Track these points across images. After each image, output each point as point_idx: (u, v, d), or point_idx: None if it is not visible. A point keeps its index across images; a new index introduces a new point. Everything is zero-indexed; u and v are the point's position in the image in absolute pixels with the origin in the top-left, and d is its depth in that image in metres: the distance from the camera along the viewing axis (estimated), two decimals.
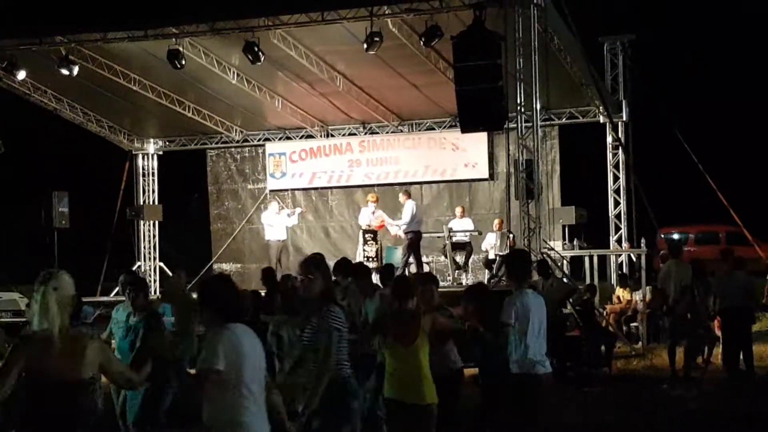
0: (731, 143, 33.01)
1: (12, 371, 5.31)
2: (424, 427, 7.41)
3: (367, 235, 20.60)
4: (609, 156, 22.35)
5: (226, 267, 24.30)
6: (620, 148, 21.96)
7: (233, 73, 20.50)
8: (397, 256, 20.77)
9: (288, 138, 24.57)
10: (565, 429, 10.68)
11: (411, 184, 23.30)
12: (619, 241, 22.04)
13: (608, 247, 21.89)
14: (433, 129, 23.37)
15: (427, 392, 7.43)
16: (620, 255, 21.61)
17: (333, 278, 8.39)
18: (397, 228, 20.41)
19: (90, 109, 23.33)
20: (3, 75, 19.87)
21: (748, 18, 34.03)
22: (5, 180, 26.78)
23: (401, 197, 21.07)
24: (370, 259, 20.13)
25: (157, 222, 25.47)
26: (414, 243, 20.27)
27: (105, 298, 20.46)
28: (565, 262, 19.83)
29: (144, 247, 25.35)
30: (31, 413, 5.38)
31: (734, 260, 14.84)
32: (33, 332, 5.45)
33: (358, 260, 20.08)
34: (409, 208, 20.60)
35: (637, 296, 18.97)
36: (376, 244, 20.46)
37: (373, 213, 20.75)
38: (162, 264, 25.16)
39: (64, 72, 18.82)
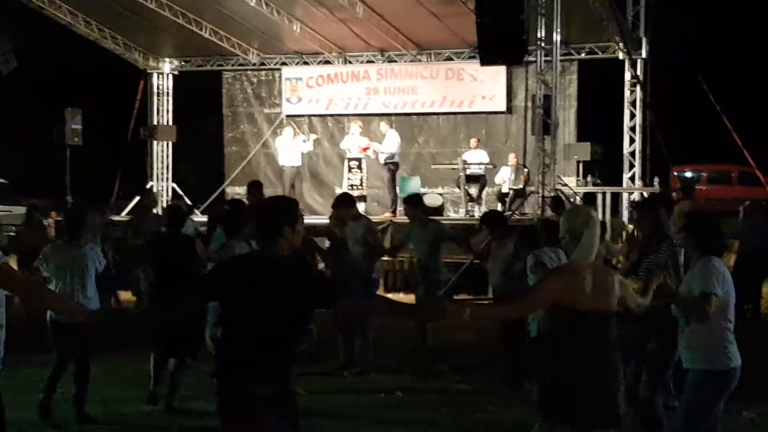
0: (748, 83, 32.77)
1: (548, 300, 5.43)
2: None
3: (351, 163, 20.72)
4: (626, 93, 22.20)
5: (240, 190, 24.30)
6: (638, 85, 21.82)
7: None
8: (412, 186, 20.84)
9: (305, 63, 24.43)
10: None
11: (428, 114, 23.36)
12: (632, 179, 22.01)
13: (621, 184, 21.87)
14: (452, 59, 23.18)
15: None
16: (633, 192, 21.57)
17: None
18: (379, 153, 20.54)
19: (105, 26, 23.16)
20: None
21: None
22: (19, 96, 26.72)
23: (383, 126, 21.16)
24: (354, 187, 20.22)
25: (170, 143, 25.46)
26: (395, 174, 20.54)
27: (116, 218, 20.52)
28: (578, 198, 19.88)
29: (157, 168, 25.36)
30: (574, 343, 5.41)
31: (753, 203, 14.97)
32: (568, 263, 5.56)
33: (343, 189, 20.35)
34: (394, 137, 20.70)
35: None
36: (361, 171, 20.55)
37: (355, 137, 20.99)
38: (175, 185, 25.22)
39: None
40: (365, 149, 20.76)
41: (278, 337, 4.96)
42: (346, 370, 10.82)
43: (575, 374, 5.34)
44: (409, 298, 14.12)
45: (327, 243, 11.81)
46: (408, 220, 11.82)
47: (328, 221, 12.17)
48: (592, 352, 5.34)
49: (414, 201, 11.65)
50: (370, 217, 13.34)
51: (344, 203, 11.30)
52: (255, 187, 13.25)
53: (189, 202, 22.63)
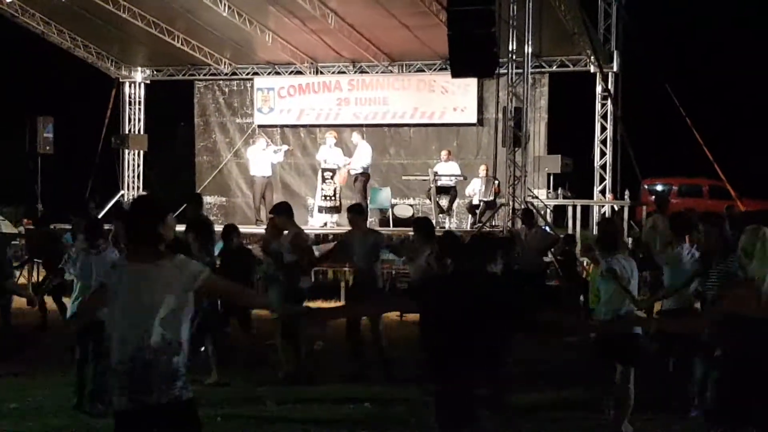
0: (718, 98, 33.05)
1: (729, 309, 5.79)
2: None
3: (325, 173, 20.69)
4: (597, 106, 22.29)
5: (211, 200, 24.25)
6: (609, 98, 21.91)
7: (224, 5, 20.34)
8: (382, 197, 20.86)
9: (277, 73, 24.42)
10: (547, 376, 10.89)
11: (399, 125, 23.37)
12: (603, 192, 22.08)
13: (592, 197, 21.94)
14: (423, 71, 23.24)
15: None
16: (603, 205, 21.65)
17: None
18: (349, 165, 20.63)
19: (78, 35, 23.11)
20: None
21: None
22: None
23: (355, 137, 21.28)
24: (328, 198, 20.25)
25: (142, 151, 25.38)
26: (366, 184, 20.57)
27: None
28: (548, 210, 19.96)
29: (128, 176, 25.29)
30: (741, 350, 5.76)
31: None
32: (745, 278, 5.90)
33: (316, 200, 20.42)
34: (366, 149, 20.78)
35: None
36: (334, 182, 20.56)
37: (330, 148, 20.93)
38: (146, 194, 25.11)
39: None
40: (344, 180, 20.70)
41: (486, 344, 5.52)
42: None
43: (753, 379, 5.66)
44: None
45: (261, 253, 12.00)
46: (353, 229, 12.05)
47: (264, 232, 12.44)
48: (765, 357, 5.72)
49: (356, 210, 12.04)
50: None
51: (286, 212, 11.55)
52: (196, 200, 13.27)
53: None
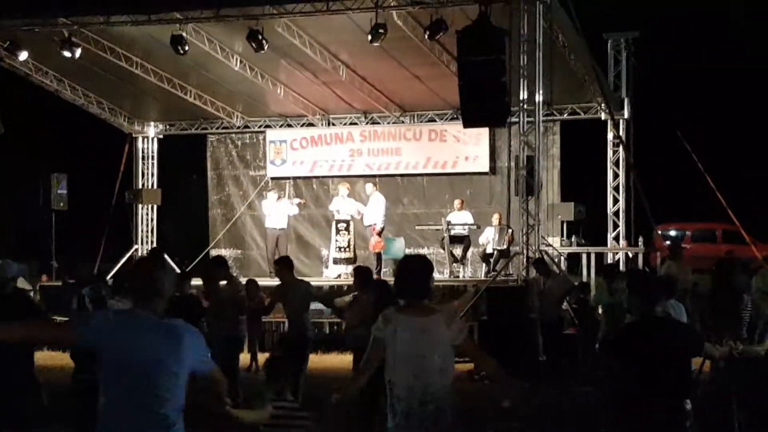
0: (731, 142, 33.03)
1: None
2: None
3: (339, 225, 20.67)
4: (609, 153, 22.34)
5: (226, 252, 24.25)
6: (621, 145, 21.94)
7: (236, 59, 20.44)
8: (397, 247, 20.82)
9: (289, 125, 24.52)
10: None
11: (412, 175, 23.42)
12: (616, 239, 22.05)
13: (606, 244, 21.90)
14: (435, 121, 23.33)
15: None
16: (617, 252, 21.58)
17: None
18: (365, 215, 20.75)
19: (91, 91, 23.25)
20: (5, 55, 19.81)
21: (751, 19, 33.97)
22: (5, 161, 26.74)
23: (369, 188, 21.27)
24: (342, 249, 20.24)
25: (155, 206, 25.45)
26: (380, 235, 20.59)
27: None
28: (562, 258, 19.88)
29: (141, 231, 25.31)
30: None
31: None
32: None
33: (331, 251, 20.44)
34: (380, 201, 20.78)
35: None
36: (349, 233, 20.54)
37: (344, 199, 21.02)
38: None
39: (67, 54, 18.71)
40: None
41: (675, 376, 6.14)
42: None
43: None
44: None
45: (205, 303, 12.22)
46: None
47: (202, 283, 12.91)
48: None
49: (282, 263, 12.23)
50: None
51: (218, 265, 12.37)
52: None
53: (173, 264, 22.56)
